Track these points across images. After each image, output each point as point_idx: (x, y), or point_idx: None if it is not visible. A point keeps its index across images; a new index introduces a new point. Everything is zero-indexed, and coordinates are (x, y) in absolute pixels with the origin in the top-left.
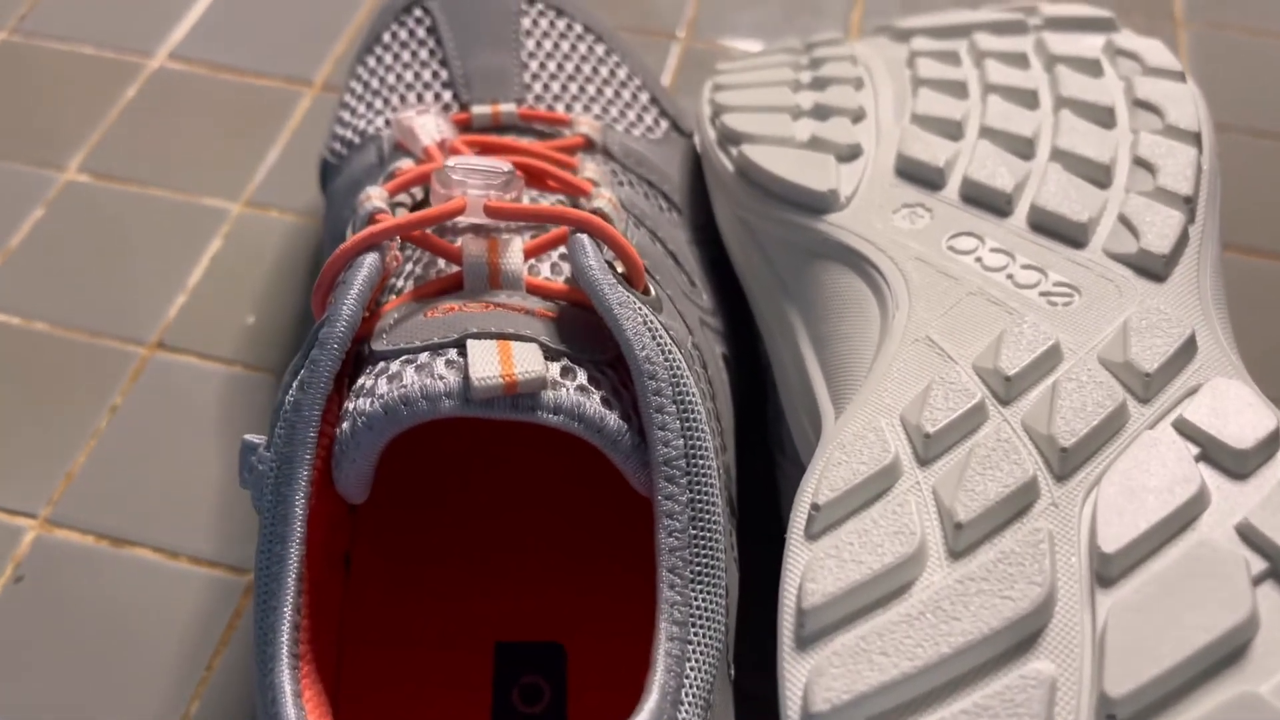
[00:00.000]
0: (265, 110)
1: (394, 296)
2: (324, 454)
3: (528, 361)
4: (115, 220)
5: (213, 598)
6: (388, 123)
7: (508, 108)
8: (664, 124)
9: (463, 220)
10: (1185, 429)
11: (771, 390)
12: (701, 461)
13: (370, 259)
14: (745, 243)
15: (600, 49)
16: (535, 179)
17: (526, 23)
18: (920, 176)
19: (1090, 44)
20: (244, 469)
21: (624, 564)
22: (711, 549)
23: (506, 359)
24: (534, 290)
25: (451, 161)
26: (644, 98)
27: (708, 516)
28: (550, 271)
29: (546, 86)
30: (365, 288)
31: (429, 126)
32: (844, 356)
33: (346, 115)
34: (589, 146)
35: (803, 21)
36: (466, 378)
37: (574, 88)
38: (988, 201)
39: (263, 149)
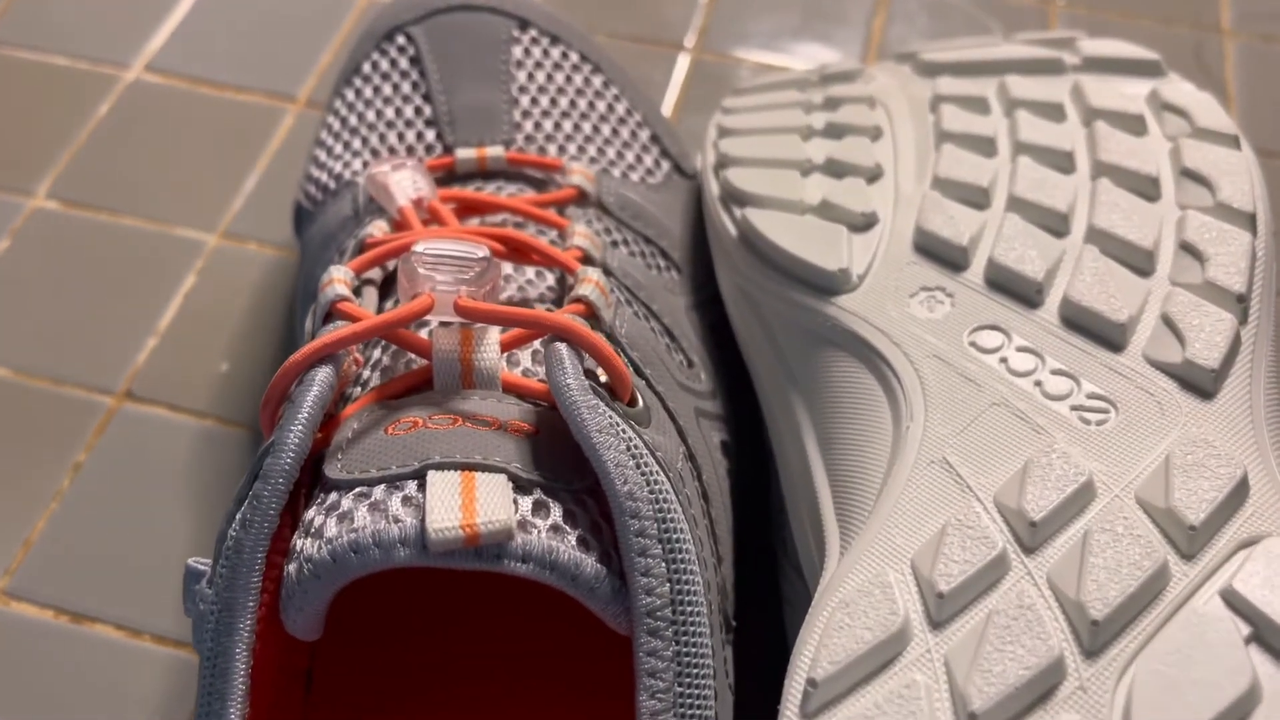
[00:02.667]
0: (245, 129)
1: (359, 390)
2: (274, 586)
3: (492, 505)
4: (84, 253)
5: (176, 681)
6: (366, 164)
7: (494, 151)
8: (665, 165)
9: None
10: (1235, 603)
11: (774, 479)
12: (690, 609)
13: (322, 376)
14: (748, 317)
15: (598, 81)
16: (518, 252)
17: (518, 52)
18: (941, 255)
19: (1133, 94)
20: (187, 598)
21: (607, 693)
22: (699, 707)
23: (469, 500)
24: (511, 389)
25: (420, 247)
26: (644, 136)
27: (696, 671)
28: (532, 361)
29: (538, 125)
30: (315, 410)
31: (404, 184)
32: (852, 469)
33: (322, 155)
34: (581, 199)
35: (821, 30)
36: (424, 522)
37: (568, 126)
38: (1015, 289)
39: (241, 173)
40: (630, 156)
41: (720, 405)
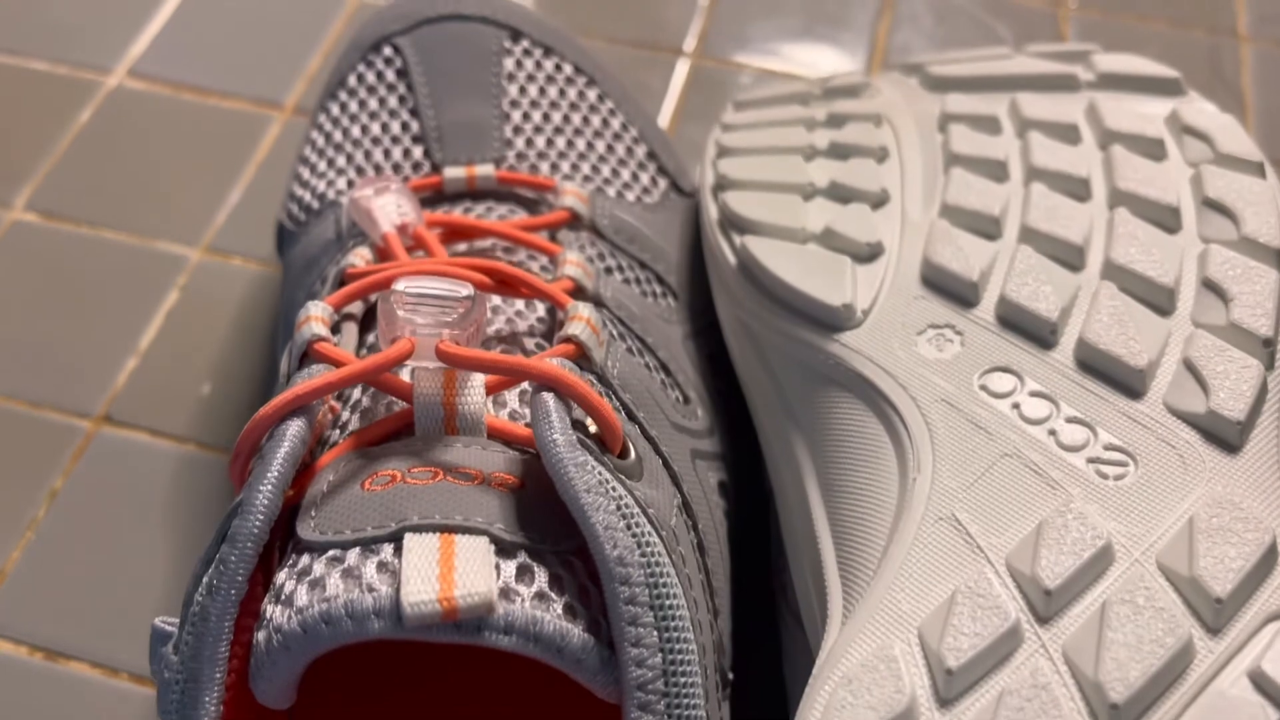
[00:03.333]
0: (230, 138)
1: (337, 433)
2: (244, 651)
3: (472, 575)
4: (63, 268)
5: None
6: (350, 183)
7: (484, 170)
8: (661, 183)
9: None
10: (1264, 685)
11: (774, 516)
12: (683, 679)
13: (294, 430)
14: (747, 350)
15: (592, 94)
16: (506, 285)
17: (509, 64)
18: (950, 290)
19: (1152, 115)
20: (153, 660)
21: None
22: None
23: (447, 569)
24: (496, 434)
25: (401, 285)
26: (640, 152)
27: None
28: (519, 402)
29: (530, 142)
30: (286, 468)
31: (388, 208)
32: (856, 520)
33: (305, 172)
34: (574, 221)
35: (824, 33)
36: (400, 593)
37: (561, 142)
38: (1028, 329)
39: (226, 185)
40: (625, 175)
41: (718, 442)
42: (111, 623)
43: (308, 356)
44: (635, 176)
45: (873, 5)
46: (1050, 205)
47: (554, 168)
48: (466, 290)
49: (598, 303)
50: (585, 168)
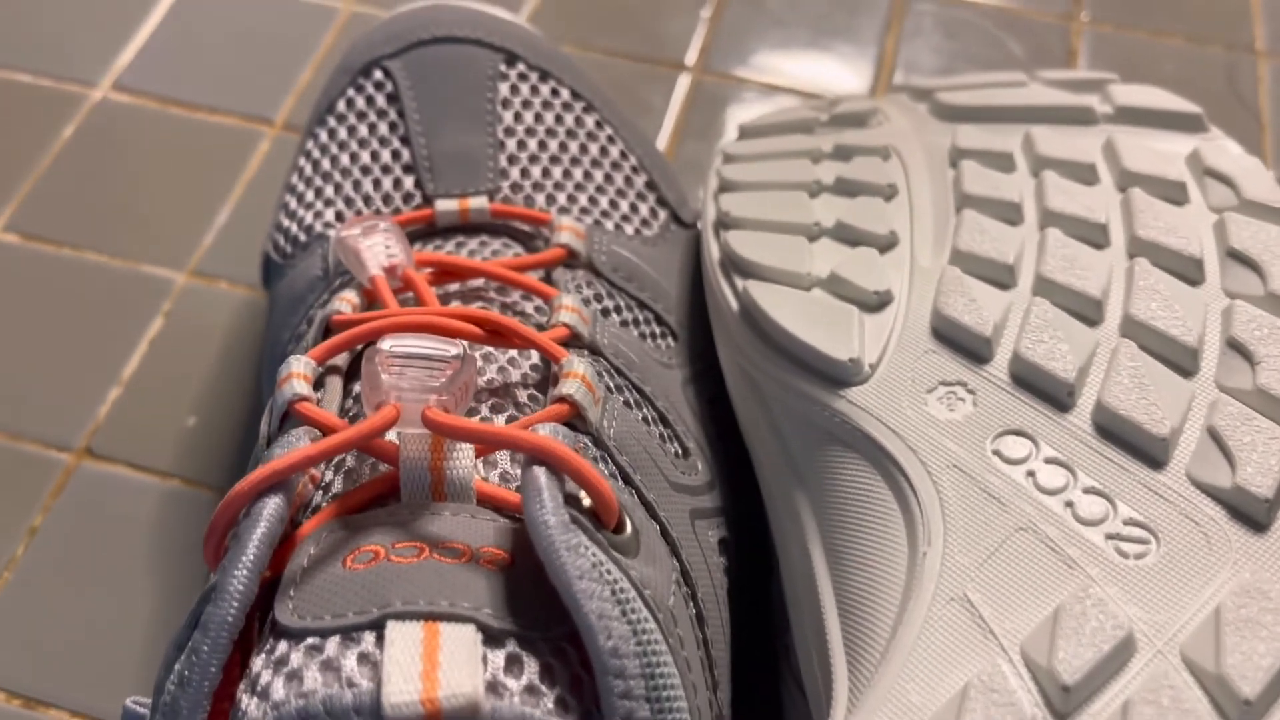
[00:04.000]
0: (219, 155)
1: (320, 495)
2: None
3: (458, 671)
4: (43, 292)
5: None
6: (339, 214)
7: (478, 203)
8: (661, 214)
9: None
10: None
11: (777, 570)
12: None
13: (270, 509)
14: (749, 400)
15: (590, 120)
16: (498, 335)
17: (504, 89)
18: (962, 344)
19: (1172, 154)
20: None
21: None
22: None
23: (431, 664)
24: (487, 500)
25: (386, 345)
26: (639, 182)
27: None
28: (510, 463)
29: (525, 172)
30: (262, 551)
31: (376, 250)
32: (863, 592)
33: (293, 203)
34: (571, 258)
35: (830, 47)
36: (381, 690)
37: (557, 173)
38: (1044, 389)
39: (213, 205)
40: (624, 206)
41: (718, 495)
42: (92, 669)
43: (289, 417)
44: (634, 208)
45: (880, 18)
46: (1067, 254)
47: (550, 199)
48: (455, 349)
49: (593, 350)
50: (582, 199)
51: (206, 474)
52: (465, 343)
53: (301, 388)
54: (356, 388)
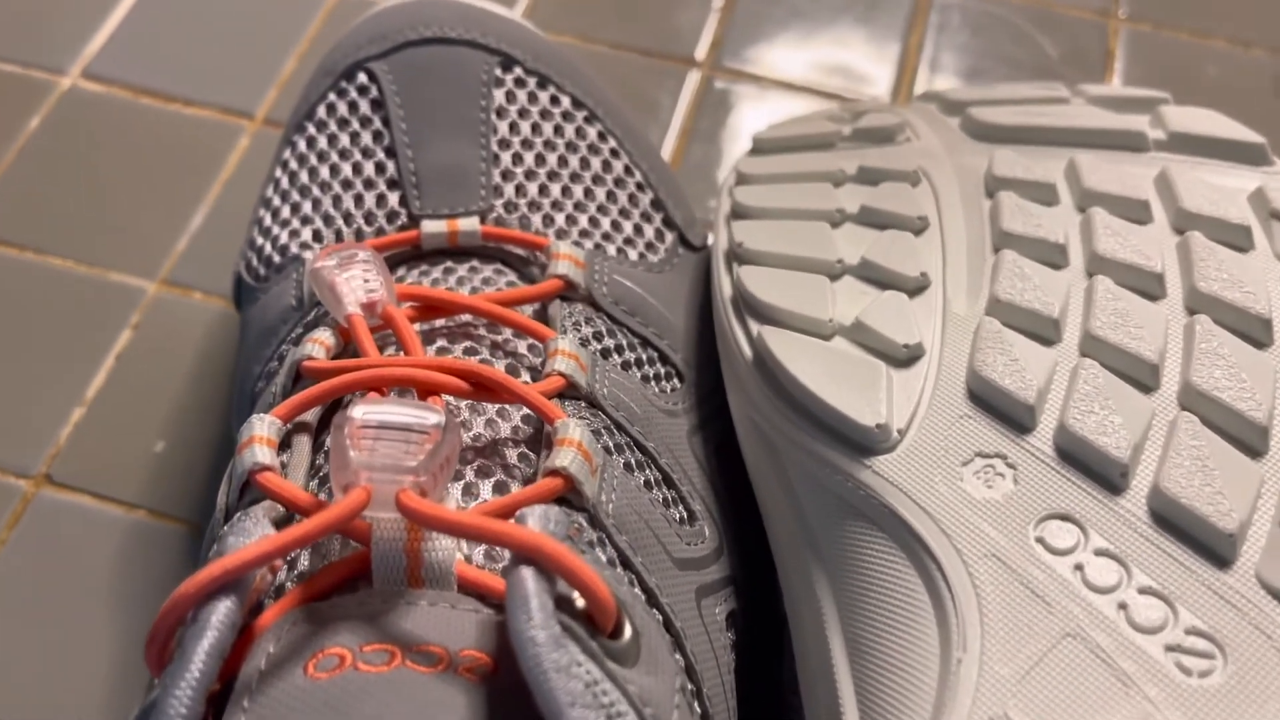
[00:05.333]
0: (195, 151)
1: (285, 572)
2: None
3: None
4: (1, 301)
5: None
6: (316, 234)
7: (468, 225)
8: (668, 237)
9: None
10: None
11: (788, 648)
12: None
13: (219, 616)
14: (763, 462)
15: (593, 132)
16: (486, 389)
17: (500, 97)
18: (1001, 410)
19: (1234, 190)
20: None
21: None
22: None
23: None
24: (469, 586)
25: (358, 414)
26: (645, 201)
27: None
28: None
29: (521, 189)
30: (209, 664)
31: (354, 284)
32: (889, 699)
33: (267, 218)
34: (568, 290)
35: (850, 42)
36: None
37: (556, 190)
38: (1094, 468)
39: (188, 206)
40: (628, 228)
41: (726, 563)
42: (49, 713)
43: (250, 486)
44: (638, 230)
45: (903, 12)
46: (1119, 308)
47: (548, 220)
48: (435, 418)
49: (591, 402)
50: (583, 220)
51: (175, 505)
52: (447, 408)
53: (263, 455)
54: (329, 441)
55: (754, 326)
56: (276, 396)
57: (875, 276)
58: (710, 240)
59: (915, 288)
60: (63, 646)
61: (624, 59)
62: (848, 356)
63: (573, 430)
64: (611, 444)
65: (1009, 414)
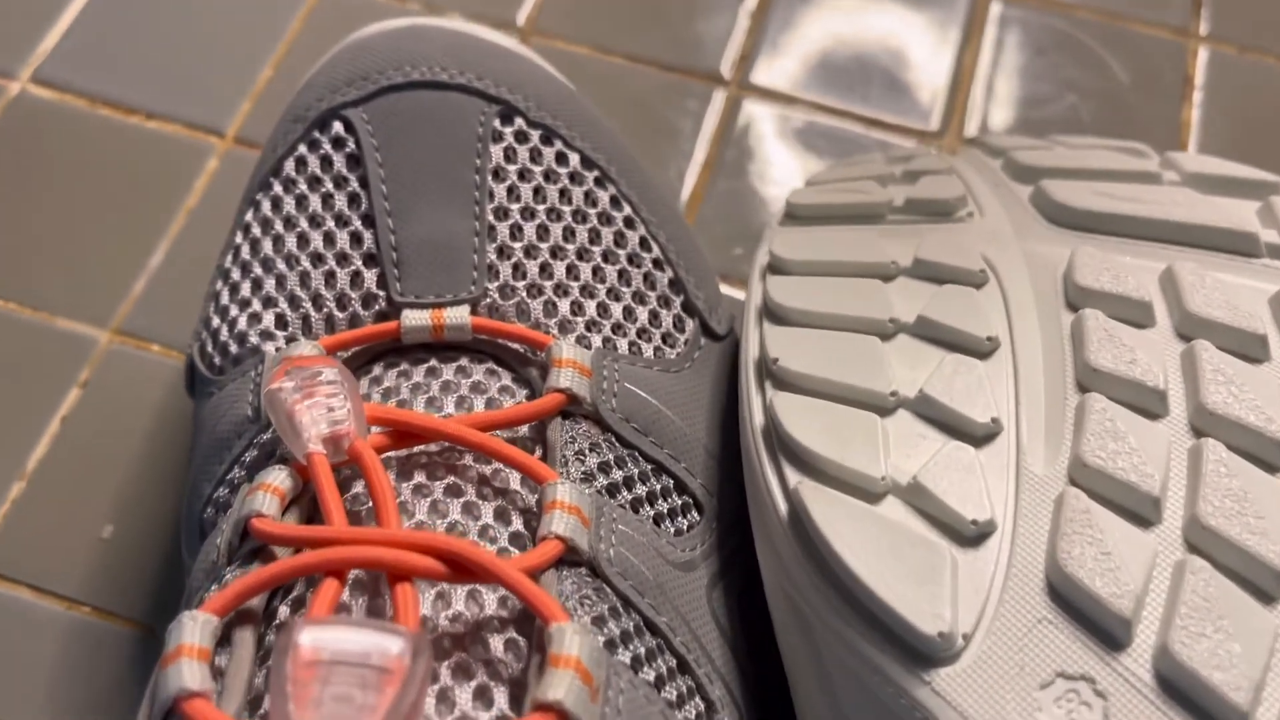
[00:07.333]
0: (156, 174)
1: None
2: None
3: None
4: None
5: None
6: (280, 319)
7: (456, 317)
8: (689, 325)
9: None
10: None
11: None
12: None
13: None
14: (796, 639)
15: (604, 196)
16: (466, 573)
17: (498, 155)
18: (1090, 618)
19: None
20: None
21: None
22: None
23: None
24: None
25: (306, 640)
26: (662, 281)
27: None
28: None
29: (519, 268)
30: None
31: (316, 413)
32: None
33: (225, 295)
34: (573, 405)
35: (894, 59)
36: None
37: (560, 270)
38: (1205, 708)
39: (149, 238)
40: (643, 316)
41: None
42: None
43: (173, 714)
44: (655, 318)
45: (958, 23)
46: (1234, 488)
47: (549, 308)
48: (399, 645)
49: (594, 569)
50: (590, 308)
51: (124, 602)
52: (419, 630)
53: (191, 678)
54: (272, 656)
55: (790, 475)
56: (220, 559)
57: (936, 416)
58: (736, 325)
59: (984, 435)
60: None
61: (641, 74)
62: (904, 532)
63: (570, 644)
64: (618, 632)
65: (1099, 623)
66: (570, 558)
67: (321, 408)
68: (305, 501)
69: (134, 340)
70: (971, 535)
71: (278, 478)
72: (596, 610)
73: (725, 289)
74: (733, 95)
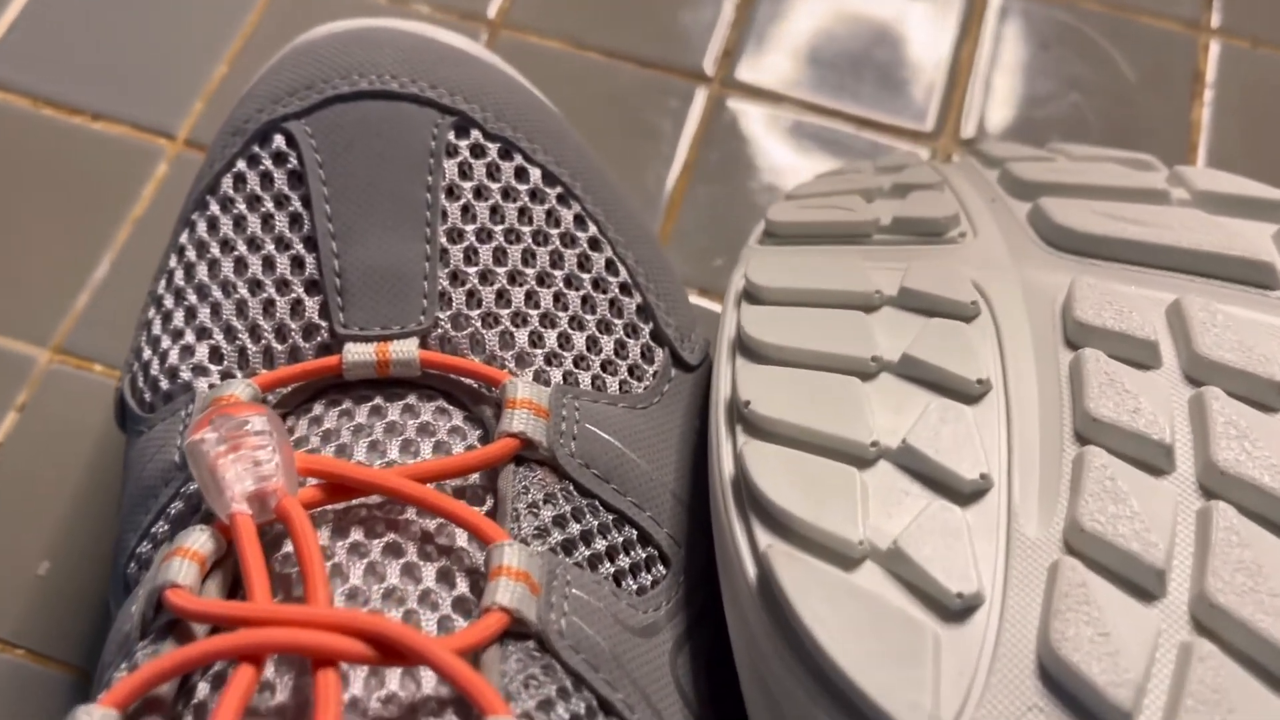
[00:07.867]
0: (102, 179)
1: None
2: None
3: None
4: None
5: None
6: (215, 351)
7: (403, 351)
8: (658, 356)
9: None
10: None
11: None
12: None
13: None
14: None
15: (568, 215)
16: (395, 655)
17: (452, 171)
18: (1084, 706)
19: None
20: None
21: None
22: None
23: None
24: None
25: None
26: (629, 307)
27: None
28: None
29: (473, 296)
30: None
31: (241, 469)
32: None
33: (157, 324)
34: (527, 449)
35: (886, 53)
36: None
37: (518, 297)
38: None
39: (92, 251)
40: (608, 347)
41: None
42: None
43: None
44: (621, 348)
45: (955, 15)
46: (1246, 560)
47: (506, 339)
48: None
49: (543, 644)
50: (551, 338)
51: (62, 645)
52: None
53: None
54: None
55: (761, 536)
56: (133, 631)
57: (920, 470)
58: (712, 349)
59: (972, 492)
60: None
61: (618, 70)
62: (883, 606)
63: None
64: (566, 717)
65: (1096, 715)
66: (517, 629)
67: (247, 461)
68: (230, 564)
69: (75, 360)
70: (956, 609)
71: (198, 540)
72: (543, 693)
73: (705, 303)
74: (716, 93)
